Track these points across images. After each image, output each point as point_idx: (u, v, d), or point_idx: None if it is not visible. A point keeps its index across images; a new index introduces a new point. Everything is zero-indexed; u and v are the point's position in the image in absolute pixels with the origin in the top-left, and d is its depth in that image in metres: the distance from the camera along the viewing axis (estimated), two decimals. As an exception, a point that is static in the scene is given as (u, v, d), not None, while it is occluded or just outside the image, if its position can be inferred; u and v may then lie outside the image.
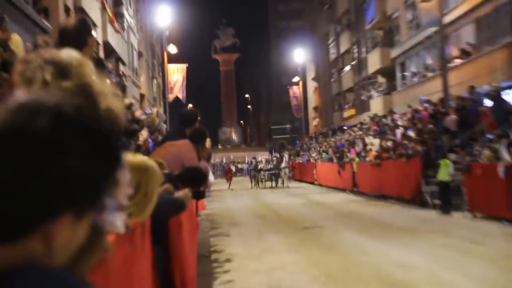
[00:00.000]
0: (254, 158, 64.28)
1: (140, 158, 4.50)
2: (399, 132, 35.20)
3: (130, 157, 4.18)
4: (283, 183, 48.98)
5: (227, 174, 56.92)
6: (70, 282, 1.20)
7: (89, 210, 1.25)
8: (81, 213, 1.24)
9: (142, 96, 58.48)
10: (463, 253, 14.17)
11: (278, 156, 57.31)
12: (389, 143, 33.78)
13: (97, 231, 1.35)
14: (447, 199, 23.03)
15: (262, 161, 57.32)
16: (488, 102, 28.86)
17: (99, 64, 11.26)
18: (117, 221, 3.33)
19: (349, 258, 14.30)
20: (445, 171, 23.18)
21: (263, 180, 50.26)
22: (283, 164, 50.12)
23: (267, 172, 51.23)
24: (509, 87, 31.06)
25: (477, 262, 12.98)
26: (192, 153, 8.36)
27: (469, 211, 21.66)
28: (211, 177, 12.87)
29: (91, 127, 1.23)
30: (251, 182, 51.39)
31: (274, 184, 49.04)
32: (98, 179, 1.24)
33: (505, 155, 19.49)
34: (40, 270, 1.18)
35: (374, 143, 37.22)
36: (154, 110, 25.89)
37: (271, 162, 55.46)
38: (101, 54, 35.32)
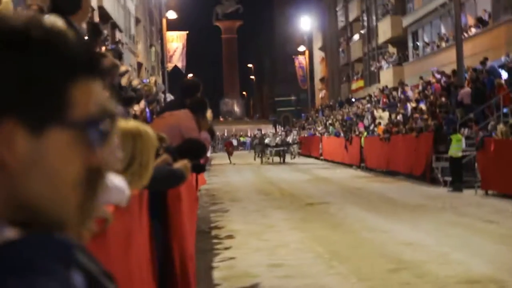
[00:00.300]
0: (260, 130, 62.81)
1: (132, 123, 4.52)
2: (410, 105, 35.26)
3: (122, 123, 4.21)
4: (292, 157, 50.20)
5: (227, 147, 55.71)
6: (64, 243, 1.11)
7: (51, 123, 1.13)
8: (38, 125, 1.12)
9: (139, 64, 58.48)
10: (473, 231, 14.31)
11: (287, 129, 57.32)
12: (399, 117, 33.87)
13: (95, 171, 1.21)
14: (459, 176, 23.13)
15: (268, 135, 55.37)
16: (504, 74, 28.90)
17: (94, 30, 11.32)
18: (126, 190, 3.45)
19: (355, 236, 14.45)
20: (457, 147, 23.26)
21: (269, 157, 49.49)
22: (290, 139, 51.29)
23: (274, 149, 50.02)
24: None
25: (487, 240, 13.13)
26: (191, 123, 8.41)
27: (481, 188, 21.78)
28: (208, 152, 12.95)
29: (60, 52, 1.16)
30: (255, 157, 51.78)
31: (282, 160, 48.32)
32: (55, 81, 1.14)
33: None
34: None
35: (383, 116, 37.32)
36: (152, 79, 25.95)
37: (278, 136, 53.70)
38: (96, 20, 35.32)
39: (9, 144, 1.09)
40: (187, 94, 9.73)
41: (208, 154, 13.08)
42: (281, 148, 49.57)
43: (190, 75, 65.11)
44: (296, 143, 52.00)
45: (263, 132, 56.40)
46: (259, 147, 51.34)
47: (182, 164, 5.97)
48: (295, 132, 52.25)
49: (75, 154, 1.15)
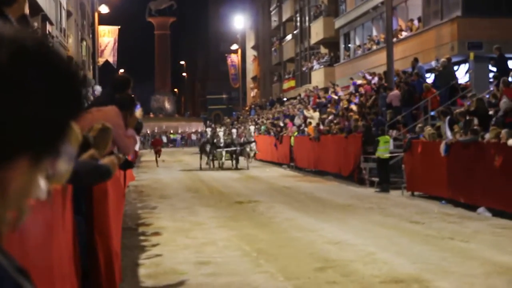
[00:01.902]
0: (212, 127, 46.92)
1: None
2: (340, 105, 35.55)
3: None
4: (248, 160, 39.19)
5: (155, 146, 46.61)
6: None
7: (46, 156, 1.23)
8: (38, 158, 1.22)
9: (70, 58, 57.71)
10: (399, 231, 14.49)
11: (240, 127, 49.42)
12: (330, 117, 34.11)
13: None
14: (386, 177, 23.41)
15: (218, 135, 38.69)
16: (432, 78, 29.34)
17: (23, 22, 11.09)
18: (42, 184, 3.35)
19: (283, 235, 14.49)
20: (385, 148, 23.54)
21: (219, 159, 38.46)
22: (248, 137, 39.58)
23: (224, 150, 38.39)
24: (457, 63, 31.59)
25: (412, 241, 13.30)
26: (119, 119, 8.30)
27: (408, 189, 22.08)
28: (136, 147, 12.81)
29: (54, 64, 1.21)
30: (207, 161, 38.99)
31: (235, 164, 38.89)
32: (59, 122, 1.22)
33: (447, 132, 19.89)
34: None
35: (314, 116, 37.52)
36: (81, 73, 25.61)
37: (228, 134, 40.54)
38: (26, 11, 34.67)
39: (17, 177, 1.20)
40: (117, 89, 9.62)
41: (137, 148, 12.96)
42: (234, 149, 38.84)
43: (122, 70, 64.50)
44: (252, 141, 39.52)
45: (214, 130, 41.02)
46: (208, 147, 38.74)
47: (109, 160, 5.87)
48: (252, 128, 41.37)
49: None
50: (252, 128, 41.11)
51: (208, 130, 42.85)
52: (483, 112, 20.03)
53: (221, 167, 37.77)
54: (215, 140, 38.21)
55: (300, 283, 9.93)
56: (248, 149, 39.19)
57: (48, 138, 1.20)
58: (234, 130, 41.42)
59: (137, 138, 10.32)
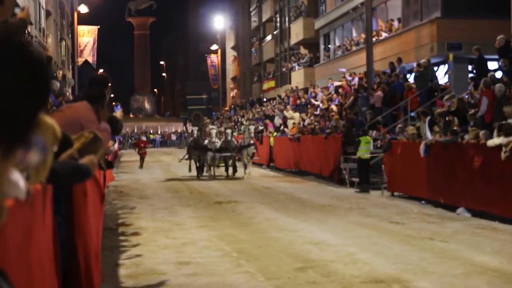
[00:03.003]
0: (201, 127, 33.87)
1: None
2: (320, 106, 35.60)
3: None
4: (245, 169, 31.79)
5: (139, 148, 40.34)
6: None
7: (16, 146, 1.22)
8: (8, 149, 1.21)
9: (49, 58, 57.43)
10: (379, 232, 14.52)
11: (235, 128, 41.85)
12: (310, 118, 34.14)
13: None
14: (366, 177, 23.45)
15: (211, 134, 31.55)
16: (412, 79, 29.46)
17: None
18: (21, 183, 3.31)
19: (263, 235, 14.48)
20: (366, 148, 23.57)
21: (211, 166, 31.31)
22: (246, 139, 32.20)
23: (218, 155, 31.24)
24: (436, 64, 31.72)
25: (392, 241, 13.33)
26: (90, 114, 8.20)
27: (388, 190, 22.14)
28: (113, 145, 12.73)
29: (15, 52, 1.20)
30: (190, 166, 32.59)
31: (231, 171, 31.76)
32: (29, 113, 1.21)
33: (427, 133, 19.95)
34: None
35: (294, 117, 37.55)
36: (60, 73, 25.51)
37: (221, 137, 33.36)
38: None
39: None
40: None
41: (115, 147, 12.88)
42: (228, 154, 31.47)
43: (101, 70, 64.26)
44: (250, 145, 32.16)
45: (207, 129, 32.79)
46: (196, 152, 31.50)
47: (88, 159, 5.82)
48: (252, 128, 33.06)
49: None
50: (252, 128, 33.16)
51: (195, 129, 33.92)
52: (463, 112, 20.12)
53: (214, 177, 30.60)
54: (205, 142, 30.93)
55: (281, 283, 9.92)
56: (244, 154, 31.91)
57: (15, 128, 1.19)
58: (229, 131, 33.04)
59: (116, 138, 10.24)
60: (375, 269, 10.75)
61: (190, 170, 32.22)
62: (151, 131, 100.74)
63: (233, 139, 32.52)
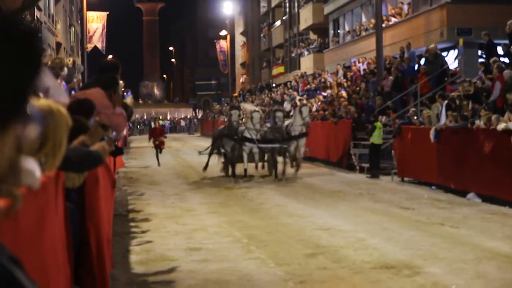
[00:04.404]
0: (236, 108, 25.13)
1: (44, 101, 4.34)
2: (330, 91, 35.55)
3: (33, 101, 4.01)
4: (295, 166, 23.69)
5: (155, 137, 29.90)
6: None
7: (14, 119, 1.22)
8: (6, 122, 1.21)
9: (58, 44, 57.44)
10: (389, 217, 14.52)
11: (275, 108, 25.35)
12: (320, 103, 34.09)
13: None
14: (376, 163, 23.42)
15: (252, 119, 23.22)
16: (423, 63, 29.35)
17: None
18: (37, 172, 3.32)
19: (273, 221, 14.50)
20: (379, 134, 23.45)
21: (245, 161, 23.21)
22: (296, 127, 23.24)
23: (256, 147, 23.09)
24: (446, 49, 31.62)
25: (402, 227, 13.33)
26: (105, 100, 8.25)
27: (398, 175, 22.12)
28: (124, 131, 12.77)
29: (9, 25, 1.20)
30: (209, 158, 24.64)
31: (273, 171, 23.49)
32: (22, 85, 1.21)
33: (443, 117, 19.82)
34: None
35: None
36: (70, 59, 25.47)
37: (265, 121, 26.03)
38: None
39: None
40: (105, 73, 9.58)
41: (124, 132, 12.90)
42: (274, 146, 22.94)
43: (110, 56, 64.33)
44: (303, 134, 23.56)
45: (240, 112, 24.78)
46: (229, 143, 23.38)
47: (99, 146, 5.84)
48: (305, 110, 23.58)
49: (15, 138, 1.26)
50: (305, 110, 23.26)
51: (234, 113, 23.57)
52: (479, 96, 20.02)
53: (246, 176, 22.97)
54: (243, 129, 23.13)
55: (291, 269, 9.94)
56: (293, 148, 23.17)
57: (14, 100, 1.19)
58: (279, 114, 23.08)
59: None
60: (386, 254, 10.76)
61: (206, 168, 24.27)
62: (161, 117, 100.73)
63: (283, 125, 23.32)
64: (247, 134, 22.89)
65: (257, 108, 23.91)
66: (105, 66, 10.12)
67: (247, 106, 26.34)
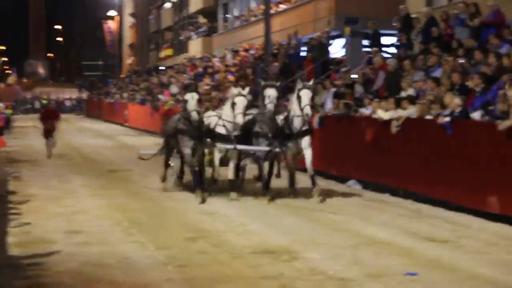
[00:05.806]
0: (193, 90, 15.86)
1: None
2: (217, 76, 35.56)
3: None
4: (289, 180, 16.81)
5: (45, 121, 25.33)
6: None
7: None
8: None
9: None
10: (272, 204, 14.63)
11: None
12: (207, 87, 34.07)
13: None
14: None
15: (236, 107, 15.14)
16: (310, 51, 29.66)
17: None
18: None
19: (156, 204, 14.47)
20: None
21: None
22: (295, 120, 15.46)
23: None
24: (332, 37, 32.04)
25: (284, 213, 13.51)
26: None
27: (282, 161, 22.27)
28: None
29: None
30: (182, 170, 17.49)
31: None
32: None
33: (329, 104, 20.05)
34: None
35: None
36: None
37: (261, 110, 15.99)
38: None
39: None
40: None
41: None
42: (261, 149, 15.54)
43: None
44: (308, 131, 15.72)
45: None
46: (190, 143, 15.45)
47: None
48: (305, 95, 15.14)
49: None
50: (306, 95, 15.23)
51: (191, 97, 15.44)
52: (367, 84, 20.33)
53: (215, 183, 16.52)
54: (213, 121, 15.98)
55: (172, 252, 9.94)
56: (290, 154, 16.51)
57: None
58: (271, 92, 15.40)
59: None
60: (266, 240, 10.88)
61: (181, 176, 17.36)
62: (44, 97, 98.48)
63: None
64: (220, 129, 15.56)
65: (244, 91, 15.70)
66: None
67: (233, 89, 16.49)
